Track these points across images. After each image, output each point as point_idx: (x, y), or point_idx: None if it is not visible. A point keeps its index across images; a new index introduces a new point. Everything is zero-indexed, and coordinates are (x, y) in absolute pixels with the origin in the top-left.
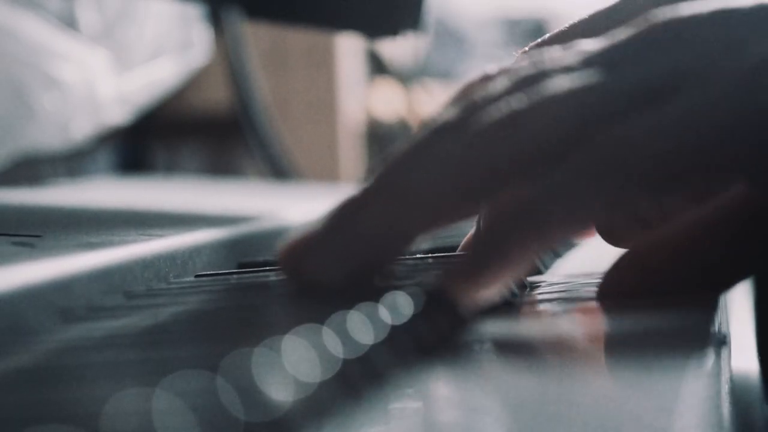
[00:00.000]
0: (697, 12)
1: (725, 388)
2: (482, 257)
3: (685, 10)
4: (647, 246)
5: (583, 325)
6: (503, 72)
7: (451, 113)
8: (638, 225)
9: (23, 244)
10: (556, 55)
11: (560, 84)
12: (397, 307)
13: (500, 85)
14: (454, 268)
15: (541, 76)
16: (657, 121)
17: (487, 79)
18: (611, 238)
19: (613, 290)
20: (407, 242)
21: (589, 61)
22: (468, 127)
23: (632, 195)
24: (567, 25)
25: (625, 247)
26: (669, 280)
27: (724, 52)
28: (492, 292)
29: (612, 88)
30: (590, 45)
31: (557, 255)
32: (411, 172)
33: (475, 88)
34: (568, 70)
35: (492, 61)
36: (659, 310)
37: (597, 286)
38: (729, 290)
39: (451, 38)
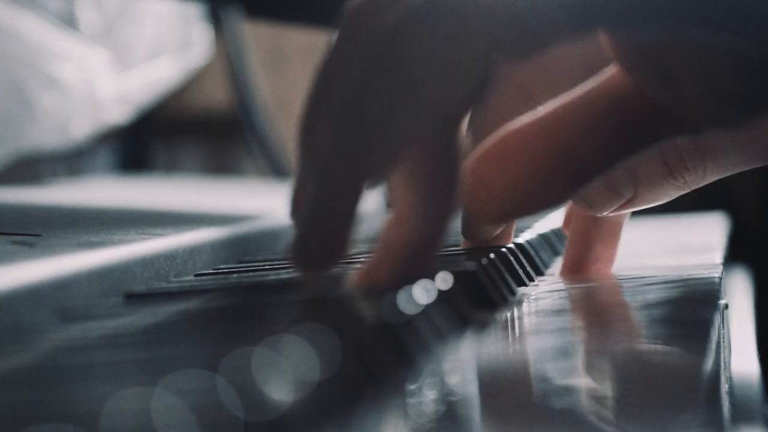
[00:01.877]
0: None
1: (725, 388)
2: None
3: None
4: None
5: (582, 324)
6: None
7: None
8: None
9: (23, 244)
10: None
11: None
12: (397, 306)
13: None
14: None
15: None
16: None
17: None
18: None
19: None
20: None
21: None
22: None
23: (494, 50)
24: None
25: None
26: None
27: None
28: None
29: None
30: None
31: (557, 253)
32: (324, 138)
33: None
34: None
35: None
36: (659, 310)
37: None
38: (590, 183)
39: None
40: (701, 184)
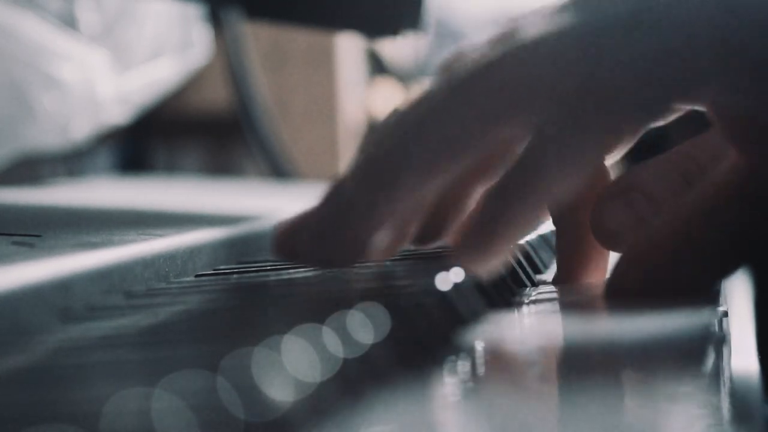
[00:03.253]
0: None
1: (725, 388)
2: (490, 223)
3: None
4: (646, 242)
5: (581, 326)
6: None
7: (427, 90)
8: (636, 226)
9: (23, 244)
10: (528, 13)
11: (532, 30)
12: (397, 306)
13: (479, 44)
14: (462, 238)
15: (513, 32)
16: (627, 56)
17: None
18: (609, 242)
19: (618, 291)
20: (393, 210)
21: (560, 9)
22: (448, 85)
23: (617, 126)
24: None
25: (623, 250)
26: (671, 274)
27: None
28: (502, 256)
29: (581, 27)
30: (554, 5)
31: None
32: (392, 139)
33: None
34: (539, 18)
35: None
36: (659, 309)
37: (604, 287)
38: (730, 277)
39: (451, 38)
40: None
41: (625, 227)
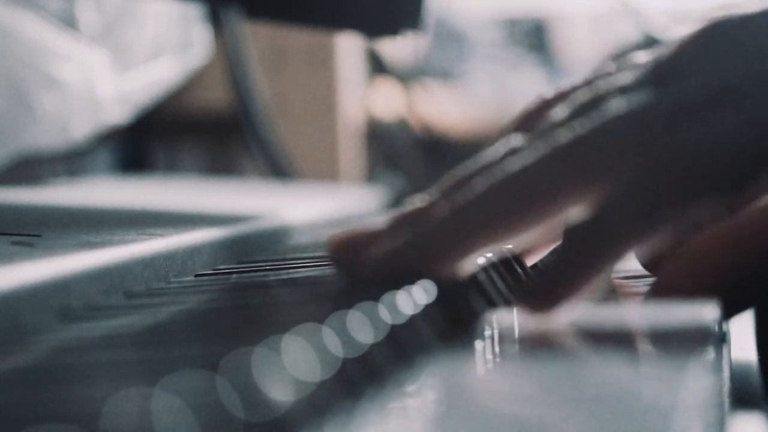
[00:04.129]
0: (743, 15)
1: (725, 387)
2: (558, 276)
3: (729, 15)
4: (697, 246)
5: (586, 324)
6: (560, 96)
7: (518, 137)
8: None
9: (23, 244)
10: (610, 77)
11: (618, 104)
12: (397, 306)
13: (561, 110)
14: (527, 287)
15: (598, 99)
16: (713, 128)
17: (545, 103)
18: (652, 268)
19: (663, 291)
20: (462, 254)
21: (642, 80)
22: (534, 150)
23: (693, 200)
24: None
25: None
26: (718, 281)
27: None
28: (564, 310)
29: (667, 102)
30: (642, 60)
31: None
32: (476, 187)
33: (534, 113)
34: (623, 90)
35: (492, 61)
36: (659, 310)
37: (650, 286)
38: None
39: (451, 38)
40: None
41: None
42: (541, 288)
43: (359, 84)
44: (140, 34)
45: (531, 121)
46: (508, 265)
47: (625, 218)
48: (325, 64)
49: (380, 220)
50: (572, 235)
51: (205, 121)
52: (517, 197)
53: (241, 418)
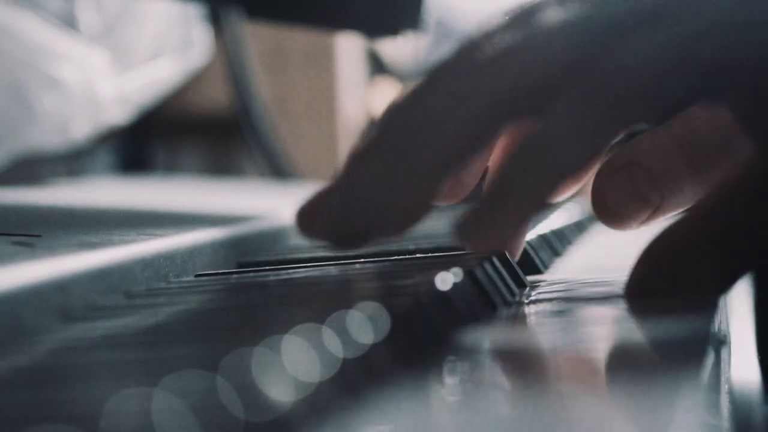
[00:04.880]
0: None
1: (725, 388)
2: (496, 203)
3: None
4: (664, 241)
5: (582, 327)
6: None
7: (448, 56)
8: (642, 204)
9: (23, 244)
10: None
11: (552, 15)
12: (398, 306)
13: (494, 24)
14: (468, 216)
15: (533, 11)
16: (648, 47)
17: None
18: (610, 219)
19: (639, 289)
20: (415, 193)
21: None
22: (464, 65)
23: (633, 118)
24: None
25: (625, 228)
26: (691, 273)
27: None
28: (509, 240)
29: (603, 16)
30: None
31: (557, 254)
32: (411, 118)
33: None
34: (558, 2)
35: None
36: (659, 310)
37: (624, 286)
38: (751, 271)
39: (451, 38)
40: None
41: (626, 204)
42: (481, 217)
43: (359, 84)
44: (140, 34)
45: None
46: (508, 265)
47: (565, 135)
48: (325, 64)
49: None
50: (510, 161)
51: (205, 121)
52: (453, 122)
53: (241, 418)
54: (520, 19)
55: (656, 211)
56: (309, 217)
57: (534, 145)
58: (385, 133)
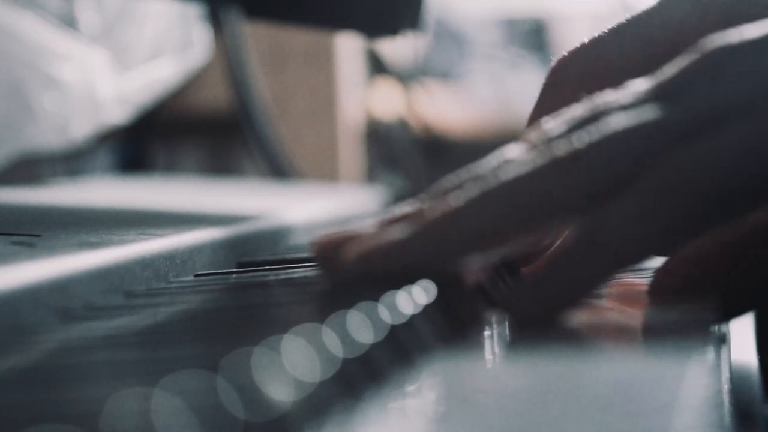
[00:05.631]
0: (748, 39)
1: (725, 387)
2: (554, 284)
3: (735, 36)
4: (697, 248)
5: (584, 325)
6: (560, 115)
7: (514, 148)
8: None
9: (23, 244)
10: (611, 94)
11: (618, 121)
12: (398, 306)
13: (559, 126)
14: (517, 297)
15: (599, 115)
16: (716, 147)
17: (571, 75)
18: None
19: (661, 291)
20: (451, 261)
21: (644, 97)
22: (531, 162)
23: (699, 219)
24: (594, 38)
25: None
26: (716, 283)
27: None
28: (558, 318)
29: (669, 121)
30: (643, 83)
31: None
32: (469, 196)
33: (560, 95)
34: (624, 107)
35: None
36: (659, 310)
37: (648, 287)
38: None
39: (451, 38)
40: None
41: None
42: (530, 299)
43: (359, 84)
44: (140, 34)
45: (553, 101)
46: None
47: (623, 240)
48: (325, 64)
49: (368, 222)
50: (569, 251)
51: (205, 121)
52: (507, 206)
53: (241, 418)
54: (586, 120)
55: None
56: (331, 250)
57: (594, 239)
58: (440, 204)
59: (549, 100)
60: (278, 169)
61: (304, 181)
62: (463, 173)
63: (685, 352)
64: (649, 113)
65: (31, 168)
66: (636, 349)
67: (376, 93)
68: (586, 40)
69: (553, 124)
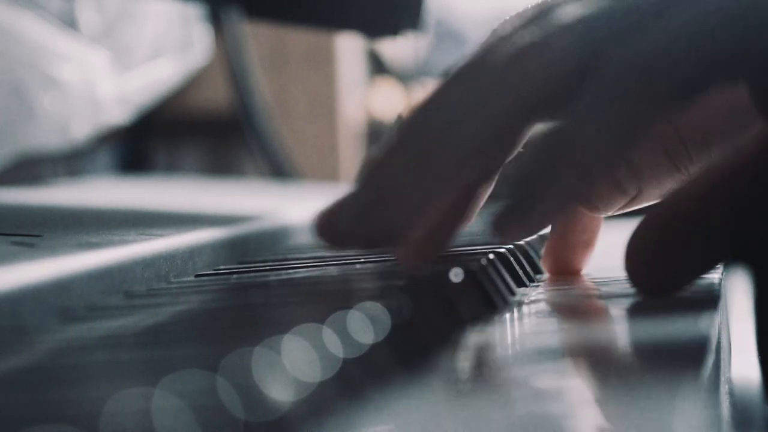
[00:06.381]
0: None
1: (725, 388)
2: (526, 203)
3: None
4: (666, 208)
5: (582, 325)
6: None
7: (467, 58)
8: (618, 193)
9: (23, 244)
10: None
11: (568, 11)
12: (398, 306)
13: (511, 23)
14: (498, 217)
15: (549, 8)
16: (663, 35)
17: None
18: (592, 208)
19: (634, 253)
20: (436, 194)
21: None
22: (483, 66)
23: (658, 102)
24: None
25: (599, 214)
26: (688, 244)
27: None
28: (541, 226)
29: (616, 11)
30: None
31: None
32: (434, 120)
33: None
34: (570, 1)
35: None
36: (659, 309)
37: (623, 255)
38: (755, 243)
39: (451, 38)
40: (693, 155)
41: (601, 192)
42: (515, 211)
43: (359, 84)
44: (140, 34)
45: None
46: (507, 264)
47: (592, 130)
48: (325, 64)
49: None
50: (538, 159)
51: (205, 121)
52: (476, 123)
53: (241, 418)
54: (535, 17)
55: (633, 200)
56: (328, 222)
57: (561, 141)
58: (407, 135)
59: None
60: (278, 169)
61: (304, 181)
62: (425, 97)
63: (685, 352)
64: (598, 2)
65: (31, 168)
66: (634, 348)
67: (376, 93)
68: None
69: (505, 23)
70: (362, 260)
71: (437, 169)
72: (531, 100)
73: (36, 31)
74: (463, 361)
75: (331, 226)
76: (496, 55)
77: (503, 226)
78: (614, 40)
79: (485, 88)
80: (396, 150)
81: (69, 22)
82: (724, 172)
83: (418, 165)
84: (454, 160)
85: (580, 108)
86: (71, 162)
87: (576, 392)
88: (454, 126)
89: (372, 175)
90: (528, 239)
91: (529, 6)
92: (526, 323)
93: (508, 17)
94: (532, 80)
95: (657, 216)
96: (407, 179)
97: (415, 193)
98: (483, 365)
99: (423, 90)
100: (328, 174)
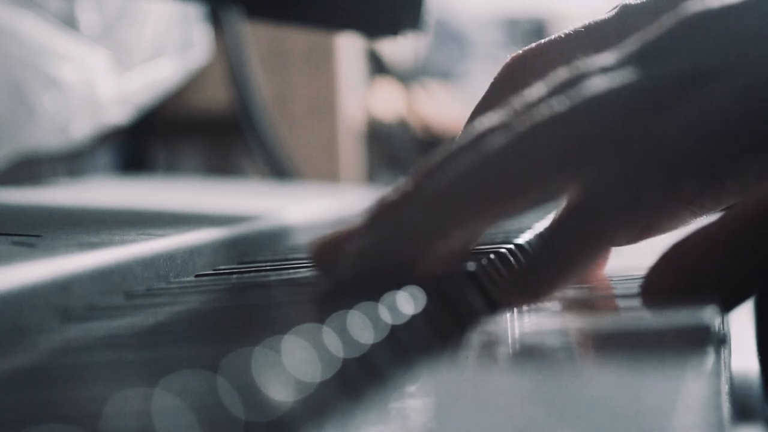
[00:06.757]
0: (726, 3)
1: (725, 388)
2: (545, 262)
3: (714, 1)
4: (687, 244)
5: (584, 325)
6: (532, 57)
7: (491, 118)
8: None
9: (23, 244)
10: (592, 59)
11: (600, 83)
12: (398, 306)
13: (539, 89)
14: (515, 275)
15: (579, 78)
16: (698, 110)
17: (524, 73)
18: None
19: (654, 290)
20: (442, 240)
21: (624, 61)
22: (510, 130)
23: (683, 183)
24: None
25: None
26: (709, 278)
27: (752, 42)
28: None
29: (651, 83)
30: (625, 46)
31: None
32: (449, 171)
33: (508, 86)
34: (605, 70)
35: (492, 61)
36: (659, 309)
37: (639, 286)
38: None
39: (451, 38)
40: (718, 209)
41: None
42: (529, 277)
43: (359, 84)
44: (140, 34)
45: (504, 95)
46: (507, 263)
47: (611, 203)
48: (325, 64)
49: (358, 216)
50: (558, 221)
51: (205, 121)
52: (494, 181)
53: (241, 418)
54: (565, 84)
55: (645, 232)
56: (329, 253)
57: (581, 206)
58: (423, 179)
59: (497, 96)
60: (278, 169)
61: (304, 181)
62: (444, 149)
63: (685, 352)
64: (630, 75)
65: (31, 168)
66: (636, 352)
67: (376, 93)
68: (542, 41)
69: (534, 89)
70: None
71: (451, 217)
72: (556, 163)
73: (36, 31)
74: (465, 360)
75: (331, 257)
76: (520, 119)
77: (516, 283)
78: (646, 113)
79: (508, 149)
80: (410, 192)
81: (69, 22)
82: (753, 213)
83: (432, 209)
84: (468, 213)
85: (606, 176)
86: (71, 162)
87: (575, 390)
88: (471, 175)
89: (383, 215)
90: (528, 239)
91: (561, 70)
92: (526, 322)
93: (541, 82)
94: (559, 146)
95: (679, 254)
96: (421, 222)
97: (426, 237)
98: (482, 366)
99: (423, 90)
100: (327, 174)
